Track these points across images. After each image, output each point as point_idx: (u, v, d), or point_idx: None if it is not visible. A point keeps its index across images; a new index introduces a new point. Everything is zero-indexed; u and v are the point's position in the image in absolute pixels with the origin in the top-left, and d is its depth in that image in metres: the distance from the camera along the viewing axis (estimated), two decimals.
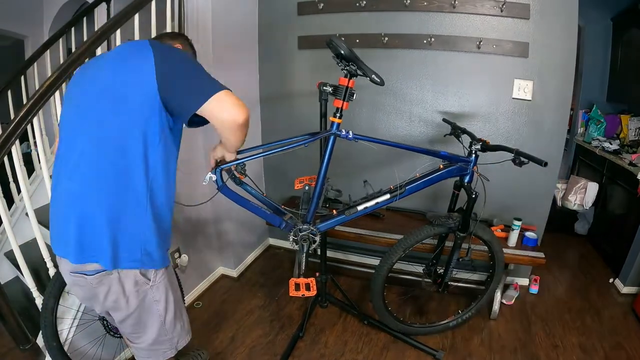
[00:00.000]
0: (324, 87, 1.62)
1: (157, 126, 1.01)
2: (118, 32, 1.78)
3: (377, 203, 1.67)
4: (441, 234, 1.94)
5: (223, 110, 1.01)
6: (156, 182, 1.05)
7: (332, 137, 1.54)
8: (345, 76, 1.48)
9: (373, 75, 1.45)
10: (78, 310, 1.61)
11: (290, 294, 1.66)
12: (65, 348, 1.53)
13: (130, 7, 1.76)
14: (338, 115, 1.52)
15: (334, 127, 1.54)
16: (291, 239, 1.66)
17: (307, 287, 1.66)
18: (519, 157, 1.51)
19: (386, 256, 1.87)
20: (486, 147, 1.66)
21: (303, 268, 1.67)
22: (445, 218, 1.81)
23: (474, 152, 1.70)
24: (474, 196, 1.70)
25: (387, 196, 1.67)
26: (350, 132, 1.54)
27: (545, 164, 1.42)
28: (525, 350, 2.05)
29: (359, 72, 1.45)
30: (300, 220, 1.67)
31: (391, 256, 1.85)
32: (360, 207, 1.67)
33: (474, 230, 1.83)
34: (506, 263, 2.13)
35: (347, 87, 1.48)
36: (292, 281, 1.69)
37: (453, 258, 1.90)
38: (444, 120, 2.08)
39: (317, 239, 1.67)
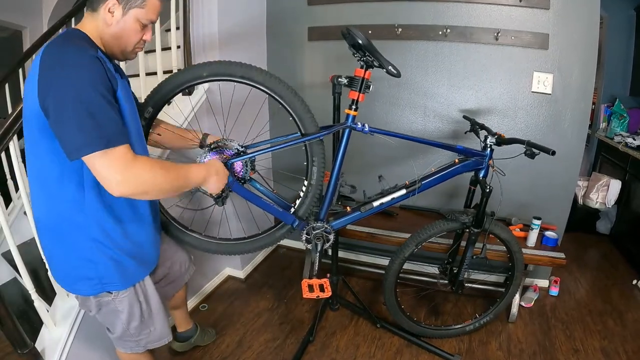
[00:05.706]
0: (339, 79, 1.57)
1: None
2: None
3: (393, 199, 1.64)
4: (456, 231, 1.89)
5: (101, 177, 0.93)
6: None
7: (347, 130, 1.50)
8: (362, 67, 1.44)
9: (390, 67, 1.41)
10: None
11: (304, 296, 1.58)
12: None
13: None
14: (354, 107, 1.48)
15: (349, 119, 1.49)
16: (304, 238, 1.59)
17: (322, 289, 1.59)
18: (530, 148, 1.51)
19: (399, 250, 1.83)
20: (501, 141, 1.65)
21: (316, 268, 1.61)
22: (459, 213, 1.79)
23: (489, 145, 1.68)
24: (487, 190, 1.66)
25: (403, 191, 1.63)
26: (367, 125, 1.49)
27: (553, 153, 1.42)
28: (545, 354, 1.98)
29: (375, 63, 1.41)
30: (313, 218, 1.60)
31: (404, 250, 1.82)
32: (376, 203, 1.63)
33: (490, 228, 1.79)
34: (525, 264, 2.06)
35: (363, 78, 1.45)
36: (305, 282, 1.61)
37: (467, 255, 1.84)
38: (464, 117, 2.01)
39: (332, 237, 1.60)
